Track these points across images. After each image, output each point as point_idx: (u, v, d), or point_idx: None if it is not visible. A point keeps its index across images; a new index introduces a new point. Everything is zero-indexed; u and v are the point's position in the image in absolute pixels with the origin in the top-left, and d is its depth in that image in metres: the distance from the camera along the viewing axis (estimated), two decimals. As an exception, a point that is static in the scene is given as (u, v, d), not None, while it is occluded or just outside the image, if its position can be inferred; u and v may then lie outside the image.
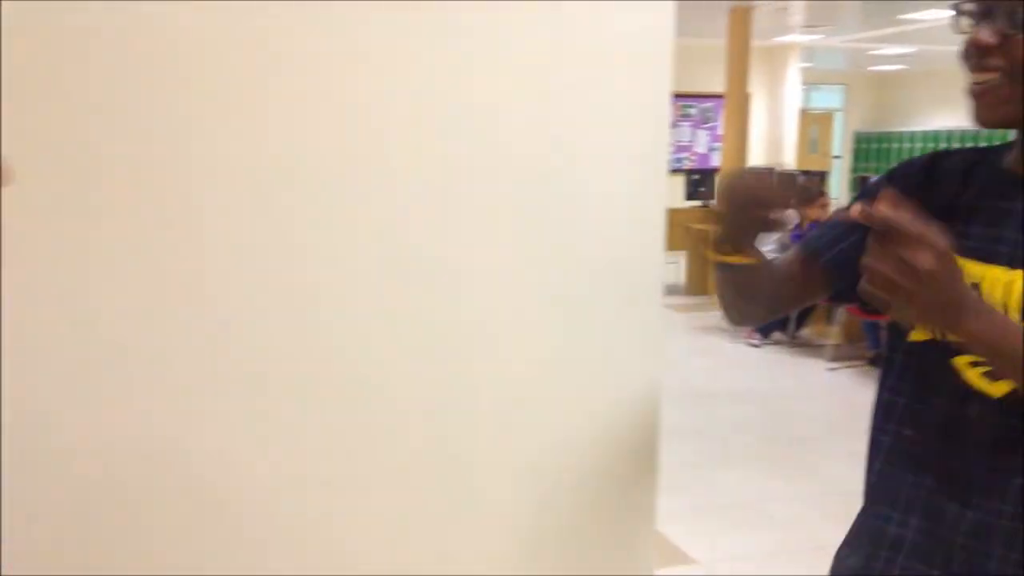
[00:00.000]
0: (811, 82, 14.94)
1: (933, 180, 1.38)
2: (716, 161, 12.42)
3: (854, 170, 14.70)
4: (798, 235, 5.16)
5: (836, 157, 15.19)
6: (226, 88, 1.42)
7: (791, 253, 1.47)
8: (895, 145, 14.53)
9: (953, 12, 1.24)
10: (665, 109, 1.58)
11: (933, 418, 1.32)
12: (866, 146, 15.18)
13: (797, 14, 9.88)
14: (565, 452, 1.66)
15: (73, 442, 1.39)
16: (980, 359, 1.26)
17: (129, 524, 1.44)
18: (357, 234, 1.46)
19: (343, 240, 1.45)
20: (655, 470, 1.68)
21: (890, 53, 12.85)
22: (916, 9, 8.97)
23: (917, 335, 1.34)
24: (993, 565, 1.26)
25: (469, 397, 1.61)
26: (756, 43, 9.63)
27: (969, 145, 1.42)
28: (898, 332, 1.38)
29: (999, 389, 1.26)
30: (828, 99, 15.86)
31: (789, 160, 11.87)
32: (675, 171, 6.12)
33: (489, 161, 1.56)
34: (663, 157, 1.62)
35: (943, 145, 13.06)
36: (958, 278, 1.14)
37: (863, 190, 1.46)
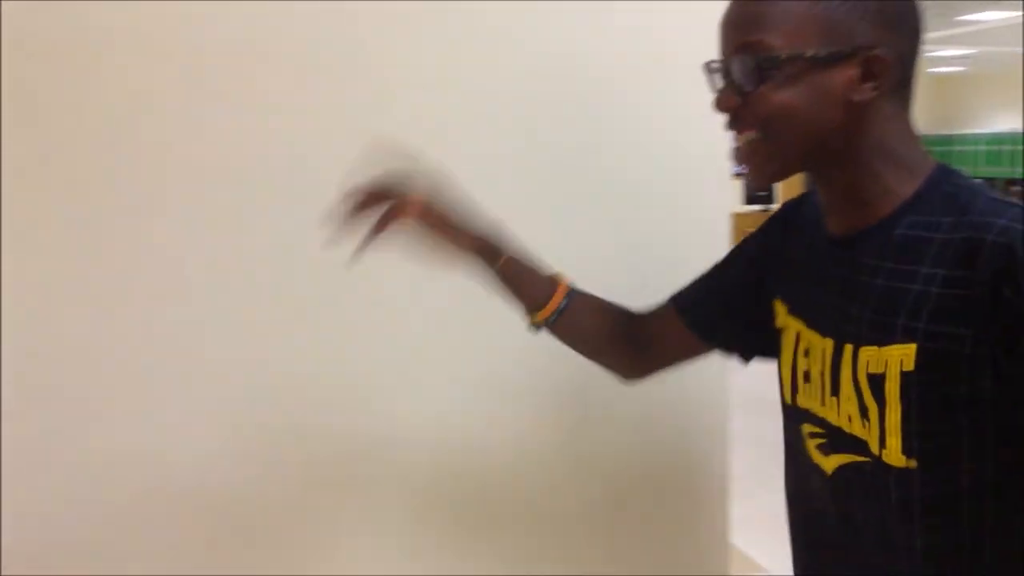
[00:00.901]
0: (869, 87, 14.66)
1: (789, 227, 1.30)
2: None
3: (915, 175, 14.36)
4: None
5: (897, 162, 14.86)
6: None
7: (659, 308, 1.41)
8: (957, 148, 14.20)
9: (705, 72, 1.14)
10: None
11: (801, 488, 1.25)
12: (927, 150, 14.85)
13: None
14: (636, 459, 1.66)
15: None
16: (816, 431, 1.18)
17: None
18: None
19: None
20: (726, 476, 1.68)
21: (949, 55, 12.62)
22: (974, 11, 8.81)
23: (784, 396, 1.26)
24: None
25: (542, 404, 1.62)
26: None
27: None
28: (780, 390, 1.28)
29: (830, 464, 1.17)
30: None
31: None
32: (735, 175, 6.00)
33: (552, 163, 1.57)
34: (727, 161, 1.61)
35: (1007, 148, 12.81)
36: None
37: (738, 244, 1.41)
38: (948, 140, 14.45)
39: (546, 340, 1.40)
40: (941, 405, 1.03)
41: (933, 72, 14.93)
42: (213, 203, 1.43)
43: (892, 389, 1.06)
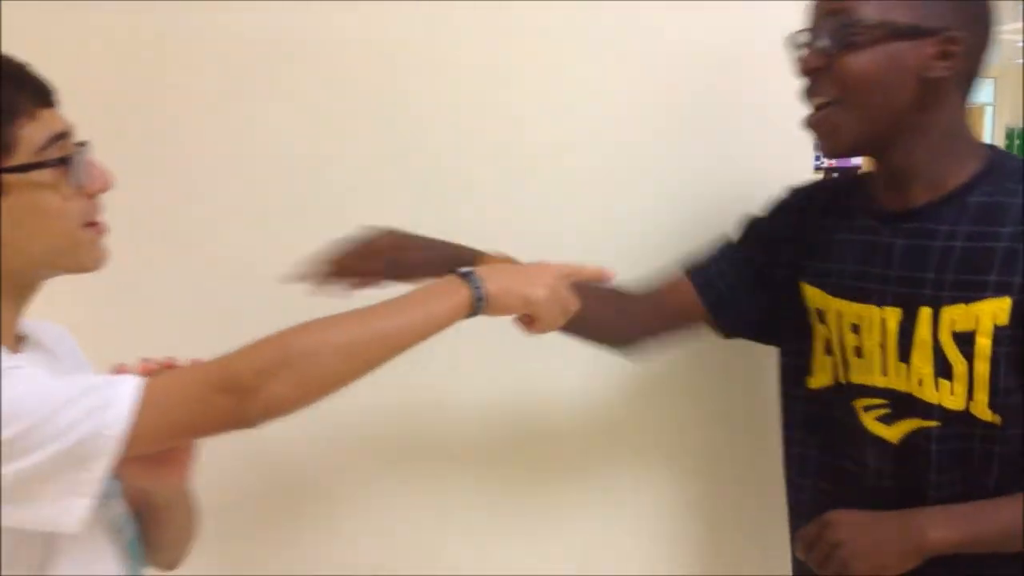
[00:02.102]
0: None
1: (807, 213, 1.34)
2: (858, 159, 11.94)
3: (1006, 166, 14.01)
4: None
5: (987, 153, 14.52)
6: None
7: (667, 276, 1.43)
8: (1051, 139, 13.75)
9: (788, 46, 1.22)
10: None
11: (844, 468, 1.28)
12: (1019, 142, 14.43)
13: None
14: (703, 453, 1.68)
15: None
16: (876, 403, 1.23)
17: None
18: (507, 233, 1.46)
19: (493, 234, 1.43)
20: None
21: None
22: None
23: (816, 381, 1.31)
24: None
25: (612, 400, 1.64)
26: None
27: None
28: (794, 377, 1.34)
29: (896, 433, 1.21)
30: (978, 94, 15.17)
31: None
32: (816, 169, 5.94)
33: (629, 160, 1.59)
34: (808, 156, 1.61)
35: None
36: (868, 521, 1.14)
37: (747, 224, 1.44)
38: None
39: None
40: None
41: (1021, 62, 14.52)
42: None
43: (984, 344, 1.13)
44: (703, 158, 1.62)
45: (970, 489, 1.16)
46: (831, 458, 1.31)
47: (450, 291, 1.02)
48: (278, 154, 1.47)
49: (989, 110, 15.02)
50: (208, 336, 1.40)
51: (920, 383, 1.18)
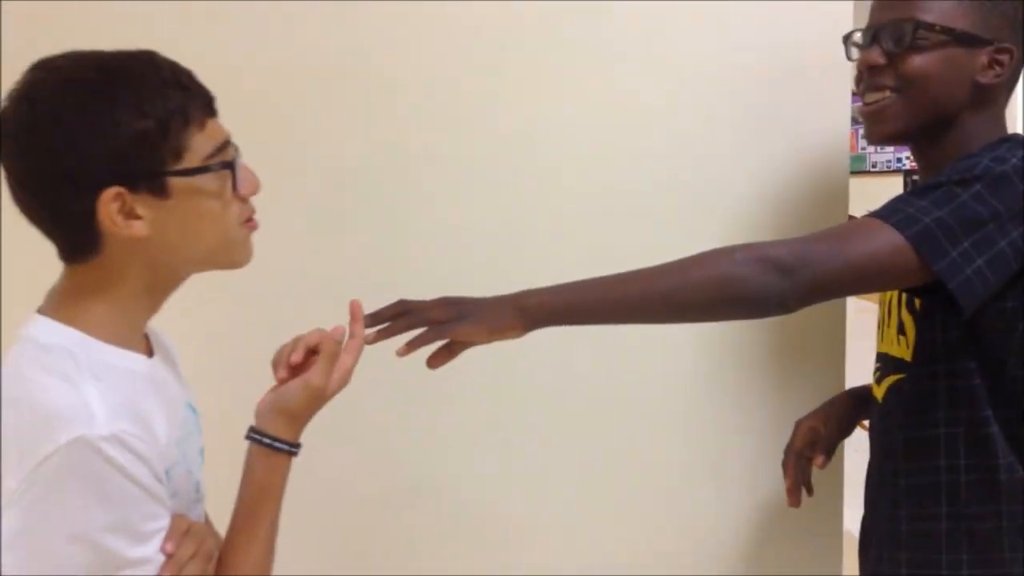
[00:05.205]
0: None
1: None
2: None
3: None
4: None
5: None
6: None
7: None
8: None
9: (844, 42, 1.37)
10: (845, 111, 1.60)
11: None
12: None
13: None
14: (750, 453, 1.67)
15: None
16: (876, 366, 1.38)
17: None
18: (555, 235, 1.56)
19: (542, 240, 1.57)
20: (840, 471, 1.65)
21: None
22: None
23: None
24: (872, 566, 1.34)
25: (652, 400, 1.65)
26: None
27: None
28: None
29: (879, 391, 1.36)
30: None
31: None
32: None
33: (665, 162, 1.61)
34: (844, 161, 1.62)
35: None
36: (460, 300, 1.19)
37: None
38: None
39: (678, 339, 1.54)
40: None
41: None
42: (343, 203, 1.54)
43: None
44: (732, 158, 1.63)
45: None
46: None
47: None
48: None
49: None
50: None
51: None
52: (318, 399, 1.09)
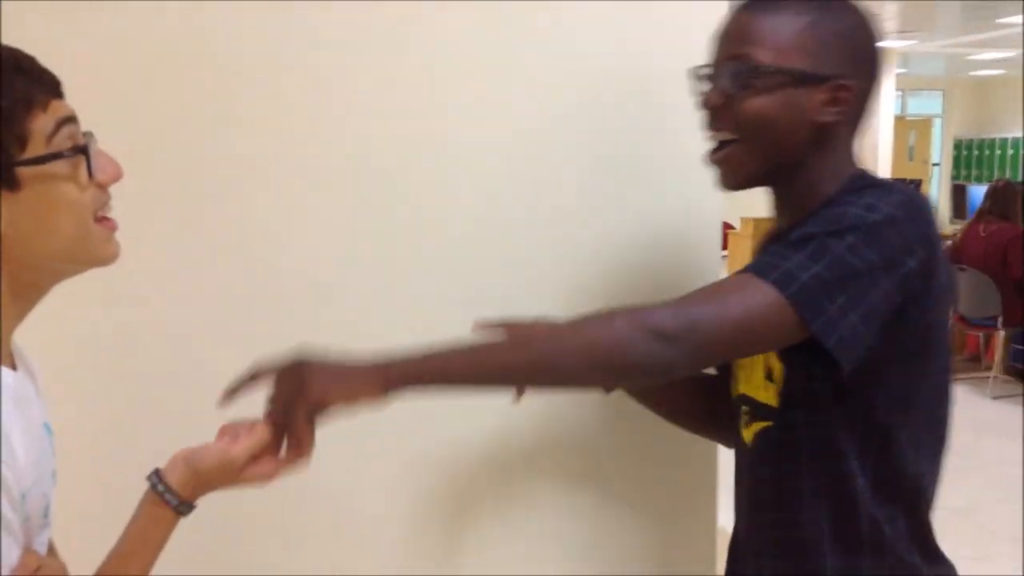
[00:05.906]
0: (908, 88, 14.61)
1: None
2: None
3: (954, 177, 14.27)
4: None
5: (935, 164, 14.77)
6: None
7: None
8: (997, 152, 14.05)
9: (692, 77, 1.28)
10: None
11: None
12: (967, 153, 14.73)
13: (890, 19, 9.69)
14: (622, 451, 1.65)
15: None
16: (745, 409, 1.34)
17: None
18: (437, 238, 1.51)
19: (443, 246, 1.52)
20: (715, 466, 1.67)
21: (989, 58, 12.49)
22: (1014, 12, 8.72)
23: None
24: None
25: (524, 402, 1.54)
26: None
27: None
28: None
29: (747, 434, 1.33)
30: (927, 105, 15.44)
31: (885, 169, 11.54)
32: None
33: (555, 172, 1.57)
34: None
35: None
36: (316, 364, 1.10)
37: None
38: (989, 144, 14.30)
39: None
40: None
41: (973, 75, 14.77)
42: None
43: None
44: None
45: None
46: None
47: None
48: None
49: (938, 122, 15.29)
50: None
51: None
52: (228, 473, 1.07)
